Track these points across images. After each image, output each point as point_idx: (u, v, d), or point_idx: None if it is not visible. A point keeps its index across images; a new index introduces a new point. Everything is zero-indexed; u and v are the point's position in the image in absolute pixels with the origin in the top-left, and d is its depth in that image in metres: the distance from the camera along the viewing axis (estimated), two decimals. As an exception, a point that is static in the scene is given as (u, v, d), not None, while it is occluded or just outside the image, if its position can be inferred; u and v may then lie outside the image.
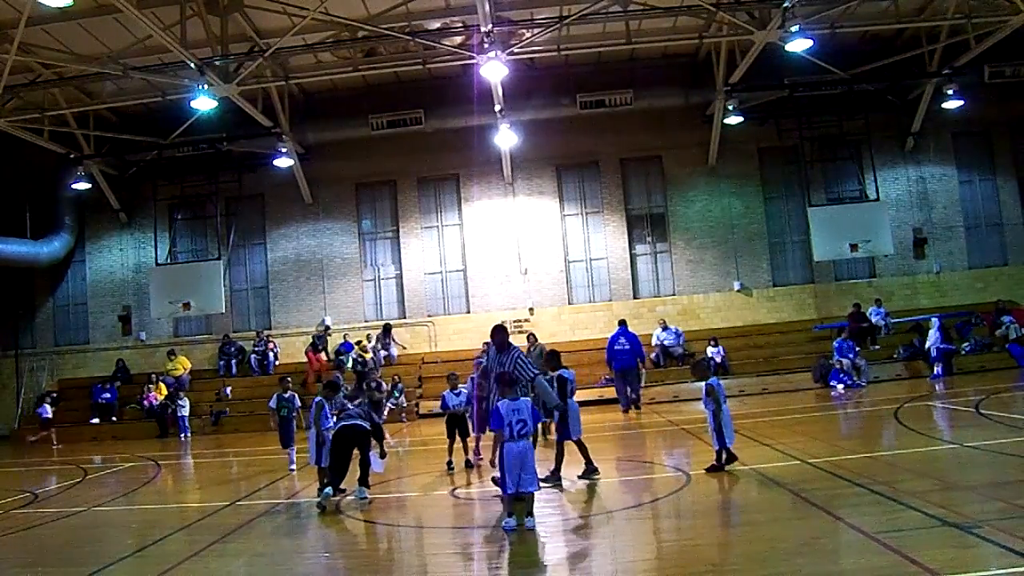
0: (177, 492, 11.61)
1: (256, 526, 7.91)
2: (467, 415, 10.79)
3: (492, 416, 7.01)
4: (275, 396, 11.92)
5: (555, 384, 8.99)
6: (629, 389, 16.93)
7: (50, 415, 19.28)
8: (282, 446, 11.71)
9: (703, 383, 8.79)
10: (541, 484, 8.46)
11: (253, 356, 21.38)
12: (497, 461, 7.08)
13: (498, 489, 7.34)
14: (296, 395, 12.06)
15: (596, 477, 8.88)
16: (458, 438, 10.63)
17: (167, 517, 8.84)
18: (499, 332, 8.92)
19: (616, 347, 16.78)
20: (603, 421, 15.58)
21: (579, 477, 8.87)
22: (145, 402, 19.97)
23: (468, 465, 10.49)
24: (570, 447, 9.07)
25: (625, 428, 14.77)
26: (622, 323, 17.27)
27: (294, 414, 11.77)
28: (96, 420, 20.01)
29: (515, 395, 6.96)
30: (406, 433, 16.76)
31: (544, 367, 9.32)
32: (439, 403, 11.24)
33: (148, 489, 11.44)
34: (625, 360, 16.70)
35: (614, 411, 17.25)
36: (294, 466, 11.42)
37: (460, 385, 11.09)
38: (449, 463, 10.51)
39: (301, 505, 8.95)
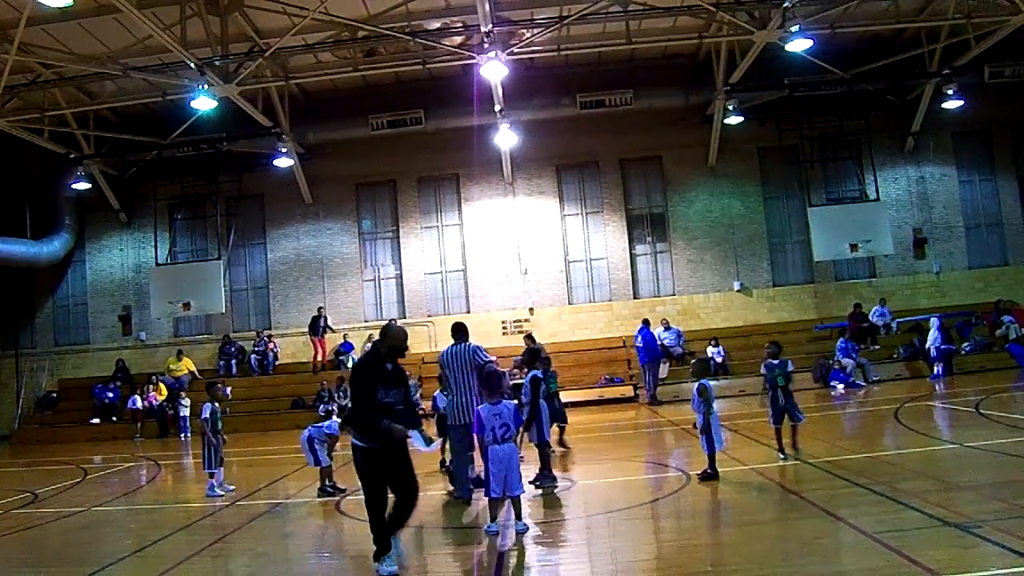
0: (177, 492, 11.60)
1: (256, 526, 7.91)
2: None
3: (474, 421, 6.97)
4: (208, 405, 9.99)
5: (530, 384, 8.99)
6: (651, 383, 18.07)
7: (139, 406, 19.76)
8: (210, 467, 9.83)
9: (696, 383, 8.49)
10: (535, 487, 8.49)
11: (253, 356, 21.39)
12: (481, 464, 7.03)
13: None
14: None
15: (551, 485, 8.62)
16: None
17: (167, 517, 8.85)
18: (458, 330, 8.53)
19: (637, 343, 18.20)
20: (603, 421, 15.60)
21: (534, 484, 8.43)
22: (145, 402, 19.95)
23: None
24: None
25: (625, 428, 14.78)
26: (644, 322, 18.38)
27: (220, 425, 10.03)
28: (96, 420, 20.02)
29: (497, 399, 6.90)
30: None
31: (520, 365, 9.31)
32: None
33: (148, 489, 11.45)
34: (640, 357, 18.13)
35: (614, 411, 17.32)
36: (221, 490, 9.81)
37: None
38: (442, 462, 10.58)
39: (301, 505, 8.96)
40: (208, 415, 9.95)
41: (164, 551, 7.01)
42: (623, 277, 21.70)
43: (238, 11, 15.66)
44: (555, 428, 10.91)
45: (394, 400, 5.83)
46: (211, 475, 9.86)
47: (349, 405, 8.00)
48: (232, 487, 9.98)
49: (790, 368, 9.00)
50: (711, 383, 8.90)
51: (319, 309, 21.31)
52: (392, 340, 6.10)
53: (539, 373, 9.25)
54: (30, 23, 14.09)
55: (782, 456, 8.90)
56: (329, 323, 21.42)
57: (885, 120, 21.05)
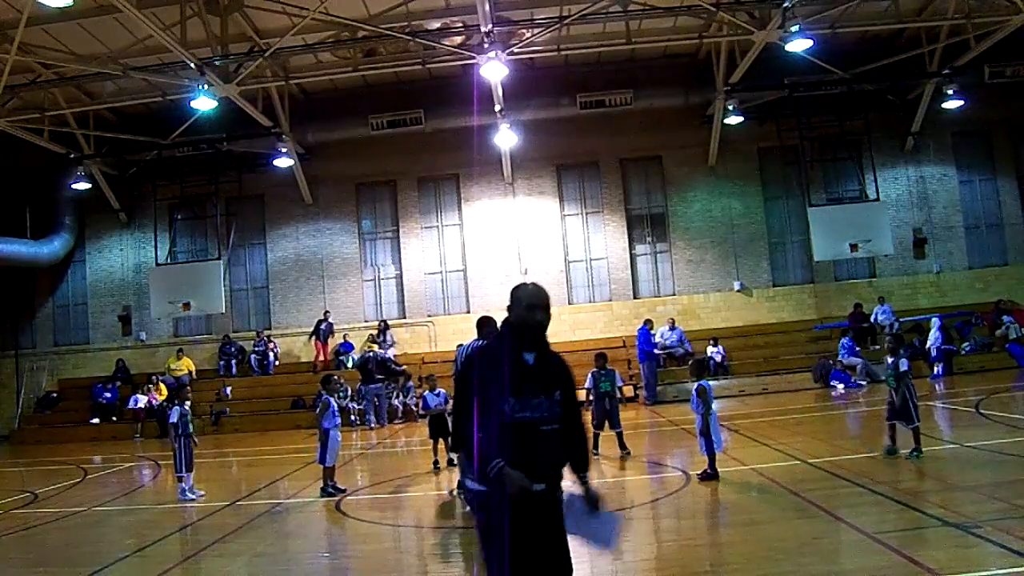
0: (177, 492, 11.59)
1: (256, 526, 7.91)
2: (447, 415, 10.82)
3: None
4: (176, 409, 9.78)
5: None
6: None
7: (141, 405, 19.73)
8: (186, 470, 9.63)
9: (695, 384, 8.59)
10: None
11: (253, 356, 21.38)
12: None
13: None
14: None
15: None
16: (441, 438, 10.69)
17: (167, 517, 8.85)
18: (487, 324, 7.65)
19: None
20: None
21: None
22: (144, 402, 19.93)
23: (452, 464, 10.48)
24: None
25: (625, 428, 14.73)
26: (645, 322, 18.54)
27: (191, 428, 9.82)
28: (96, 420, 20.01)
29: None
30: (401, 434, 16.76)
31: None
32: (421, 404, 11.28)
33: (148, 489, 11.45)
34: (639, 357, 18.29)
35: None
36: (192, 494, 9.65)
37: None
38: (435, 463, 10.61)
39: (301, 505, 8.95)
40: (176, 419, 9.70)
41: (164, 551, 7.02)
42: (623, 277, 21.70)
43: (238, 11, 15.65)
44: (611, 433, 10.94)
45: (541, 415, 3.51)
46: (180, 479, 9.68)
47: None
48: (203, 492, 9.77)
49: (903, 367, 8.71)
50: (710, 383, 8.92)
51: (325, 313, 21.27)
52: (527, 311, 3.58)
53: None
54: (30, 23, 14.07)
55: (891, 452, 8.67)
56: (332, 328, 21.39)
57: (885, 120, 21.03)
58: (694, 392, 8.51)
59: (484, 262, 21.77)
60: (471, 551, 6.51)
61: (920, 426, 8.62)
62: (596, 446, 10.94)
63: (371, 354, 19.24)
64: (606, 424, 10.92)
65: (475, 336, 7.99)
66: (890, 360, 8.81)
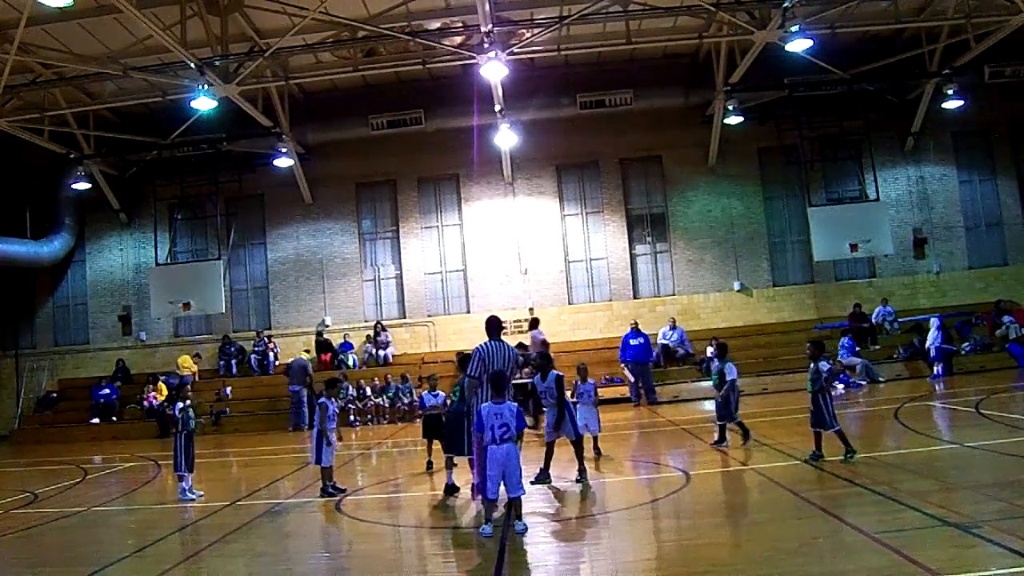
0: (177, 492, 11.60)
1: (256, 526, 7.91)
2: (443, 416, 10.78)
3: (475, 418, 6.95)
4: (178, 405, 9.70)
5: (556, 383, 9.08)
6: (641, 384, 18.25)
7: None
8: (187, 470, 9.53)
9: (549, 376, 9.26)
10: (530, 483, 8.51)
11: (253, 356, 21.40)
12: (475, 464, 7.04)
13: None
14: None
15: (546, 484, 8.82)
16: (436, 438, 10.65)
17: (167, 517, 8.84)
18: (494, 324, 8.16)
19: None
20: (603, 421, 15.55)
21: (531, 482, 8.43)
22: (145, 402, 19.96)
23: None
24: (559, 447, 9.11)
25: (625, 428, 14.77)
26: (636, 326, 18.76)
27: (192, 426, 9.69)
28: (96, 420, 20.01)
29: (503, 399, 6.86)
30: (402, 433, 16.76)
31: (538, 367, 9.40)
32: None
33: (148, 489, 11.44)
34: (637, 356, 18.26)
35: (614, 411, 17.27)
36: (196, 494, 9.56)
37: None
38: (429, 463, 10.61)
39: (301, 505, 8.95)
40: (178, 413, 9.62)
41: (164, 551, 7.01)
42: (623, 277, 21.71)
43: (238, 11, 15.68)
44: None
45: None
46: (180, 478, 9.60)
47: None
48: (202, 492, 9.68)
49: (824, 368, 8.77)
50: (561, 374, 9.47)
51: (319, 332, 21.27)
52: None
53: (559, 373, 9.36)
54: (30, 23, 14.09)
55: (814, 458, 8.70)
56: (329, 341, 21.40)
57: (885, 120, 21.05)
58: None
59: (484, 262, 21.79)
60: (470, 551, 6.51)
61: (841, 429, 8.67)
62: (748, 435, 10.72)
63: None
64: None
65: (486, 338, 7.97)
66: (811, 366, 8.79)
